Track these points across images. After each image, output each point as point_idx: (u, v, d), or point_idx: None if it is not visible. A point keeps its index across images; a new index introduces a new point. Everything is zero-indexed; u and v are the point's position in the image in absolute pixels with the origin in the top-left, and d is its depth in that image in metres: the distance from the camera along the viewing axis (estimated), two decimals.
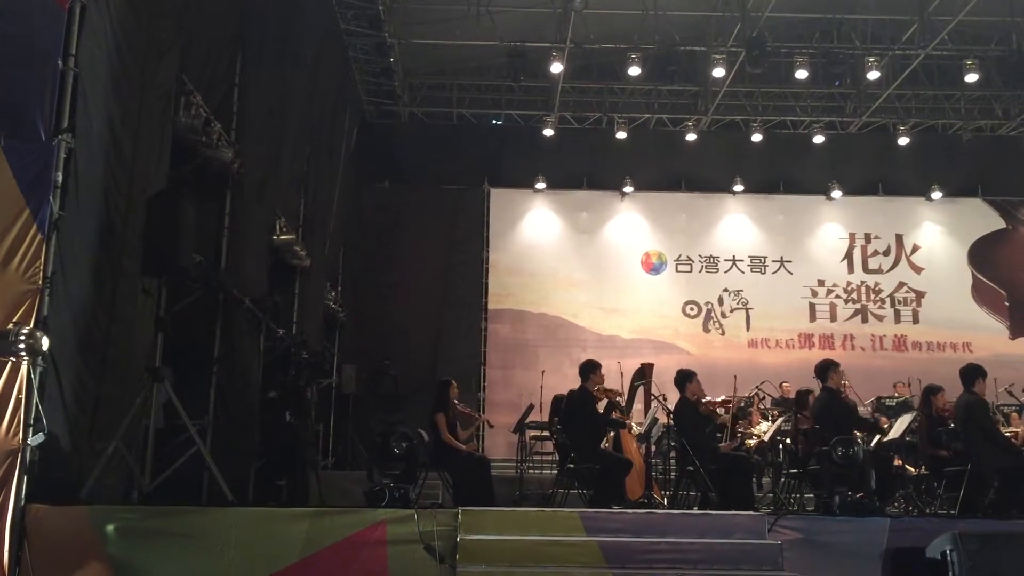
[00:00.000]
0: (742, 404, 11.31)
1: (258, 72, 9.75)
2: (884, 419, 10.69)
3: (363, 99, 16.30)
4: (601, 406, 9.55)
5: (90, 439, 6.40)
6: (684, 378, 9.50)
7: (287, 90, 10.88)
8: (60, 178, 6.07)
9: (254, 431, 9.28)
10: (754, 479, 10.36)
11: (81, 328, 6.36)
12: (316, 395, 11.27)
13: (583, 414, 9.22)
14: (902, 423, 9.56)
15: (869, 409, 11.99)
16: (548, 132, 16.56)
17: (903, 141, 16.79)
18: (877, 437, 9.93)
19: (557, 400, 10.84)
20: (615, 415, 9.80)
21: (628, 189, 17.04)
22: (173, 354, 7.82)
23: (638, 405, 10.95)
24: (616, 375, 14.14)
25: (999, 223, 17.49)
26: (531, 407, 12.38)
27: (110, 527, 6.05)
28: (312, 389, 10.30)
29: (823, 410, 8.80)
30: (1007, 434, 10.09)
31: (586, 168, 17.25)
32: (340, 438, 14.38)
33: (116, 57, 6.70)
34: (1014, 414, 11.81)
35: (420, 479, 8.74)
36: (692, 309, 16.98)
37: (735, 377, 14.41)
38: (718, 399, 10.62)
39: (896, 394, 13.17)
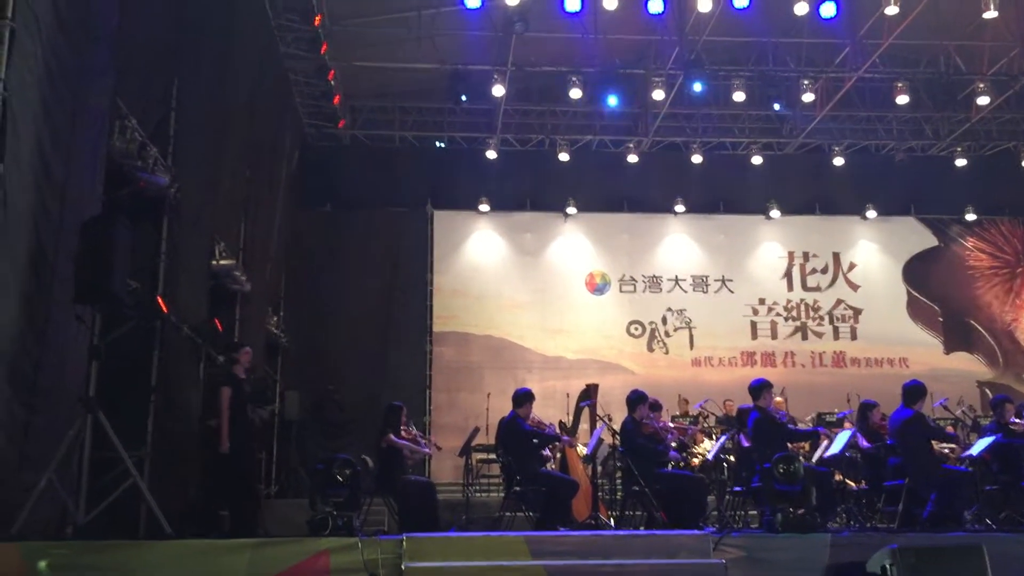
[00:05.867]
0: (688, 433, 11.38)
1: (196, 96, 9.61)
2: (825, 435, 10.86)
3: (304, 122, 16.18)
4: None
5: (19, 472, 6.21)
6: (637, 399, 9.54)
7: (226, 114, 10.75)
8: None
9: (194, 461, 9.09)
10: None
11: (10, 357, 6.17)
12: (259, 422, 11.11)
13: (516, 441, 9.22)
14: (842, 438, 9.73)
15: (810, 425, 12.16)
16: (491, 154, 16.59)
17: (838, 162, 17.17)
18: (818, 452, 10.08)
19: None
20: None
21: (571, 210, 17.12)
22: (109, 383, 7.63)
23: (584, 426, 10.97)
24: (562, 396, 14.27)
25: (932, 241, 17.95)
26: (476, 430, 12.30)
27: (43, 564, 5.88)
28: (255, 416, 10.13)
29: (755, 428, 8.92)
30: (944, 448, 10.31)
31: (529, 190, 17.31)
32: (283, 466, 14.16)
33: (47, 81, 6.56)
34: (949, 427, 12.06)
35: (364, 506, 8.62)
36: (636, 329, 17.09)
37: (679, 395, 14.70)
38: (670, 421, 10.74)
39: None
